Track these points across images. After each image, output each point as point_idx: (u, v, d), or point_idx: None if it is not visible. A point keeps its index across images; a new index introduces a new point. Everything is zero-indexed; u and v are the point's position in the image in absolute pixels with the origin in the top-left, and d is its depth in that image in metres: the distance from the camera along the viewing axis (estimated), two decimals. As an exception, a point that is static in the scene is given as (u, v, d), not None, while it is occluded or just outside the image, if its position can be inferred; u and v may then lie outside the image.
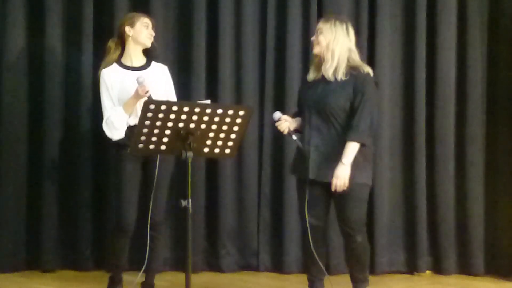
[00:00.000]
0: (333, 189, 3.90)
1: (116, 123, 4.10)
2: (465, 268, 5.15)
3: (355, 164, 3.94)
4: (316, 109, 3.99)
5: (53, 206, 4.93)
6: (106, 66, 4.21)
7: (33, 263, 4.95)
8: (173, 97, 4.28)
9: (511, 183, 5.09)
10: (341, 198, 3.97)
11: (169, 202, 4.88)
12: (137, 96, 4.03)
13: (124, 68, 4.21)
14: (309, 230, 4.00)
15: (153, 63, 4.30)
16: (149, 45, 4.24)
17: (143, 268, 4.11)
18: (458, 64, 5.18)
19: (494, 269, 5.10)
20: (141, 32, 4.21)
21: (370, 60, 5.08)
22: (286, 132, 4.00)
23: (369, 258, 4.25)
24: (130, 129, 4.08)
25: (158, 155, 3.99)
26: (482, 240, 5.15)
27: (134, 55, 4.24)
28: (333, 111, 3.96)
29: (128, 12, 4.86)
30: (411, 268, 5.17)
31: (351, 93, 3.95)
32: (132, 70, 4.19)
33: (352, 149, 3.89)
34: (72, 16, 4.98)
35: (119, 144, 4.13)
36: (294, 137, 3.97)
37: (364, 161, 4.00)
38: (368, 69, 4.02)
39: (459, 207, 5.17)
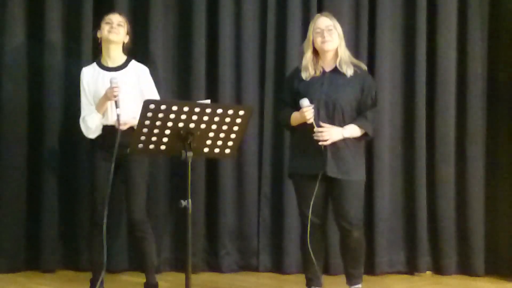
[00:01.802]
0: (317, 138, 3.92)
1: (89, 122, 4.22)
2: (465, 269, 5.14)
3: (354, 161, 4.01)
4: (325, 103, 3.99)
5: (52, 206, 4.93)
6: (86, 66, 4.35)
7: (33, 263, 4.95)
8: (153, 97, 4.26)
9: (511, 183, 5.09)
10: (341, 194, 4.02)
11: (168, 202, 4.91)
12: (106, 97, 4.11)
13: (101, 68, 4.30)
14: (309, 227, 4.04)
15: (133, 62, 4.33)
16: (113, 39, 4.25)
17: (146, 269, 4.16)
18: (458, 63, 5.17)
19: (494, 270, 5.10)
20: (103, 29, 4.27)
21: (370, 59, 5.08)
22: (311, 120, 3.95)
23: (364, 255, 4.28)
24: (105, 129, 4.18)
25: (129, 156, 4.01)
26: (482, 240, 5.14)
27: (108, 55, 4.30)
28: (343, 106, 4.00)
29: (128, 12, 4.89)
30: (411, 268, 5.16)
31: (358, 90, 4.06)
32: (107, 70, 4.25)
33: (355, 129, 4.02)
34: (72, 16, 4.98)
35: (91, 140, 4.27)
36: (316, 129, 3.96)
37: (361, 158, 4.11)
38: (365, 66, 4.17)
39: (460, 207, 5.17)
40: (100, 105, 4.18)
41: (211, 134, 3.49)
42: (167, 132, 3.42)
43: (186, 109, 3.40)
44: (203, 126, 3.44)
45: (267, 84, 5.14)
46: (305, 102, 3.95)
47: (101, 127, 4.23)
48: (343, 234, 4.11)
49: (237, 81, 5.15)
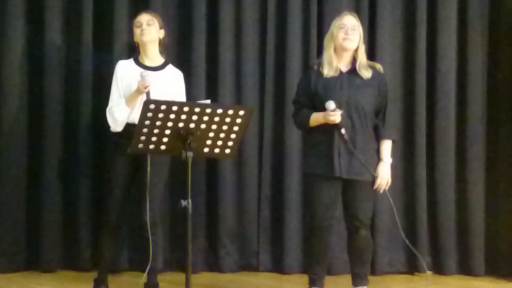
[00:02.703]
0: (376, 188, 4.03)
1: (116, 114, 4.16)
2: (466, 269, 5.15)
3: (368, 161, 4.02)
4: (347, 105, 3.98)
5: (53, 206, 4.93)
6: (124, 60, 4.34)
7: (33, 263, 4.95)
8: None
9: (511, 183, 5.09)
10: (355, 194, 4.03)
11: (168, 202, 4.91)
12: (138, 90, 4.08)
13: (139, 65, 4.27)
14: (331, 228, 4.11)
15: (170, 66, 4.35)
16: (147, 40, 4.26)
17: (147, 269, 4.14)
18: (458, 63, 5.18)
19: (495, 270, 5.10)
20: (136, 33, 4.29)
21: (370, 58, 5.06)
22: (339, 121, 3.92)
23: (371, 255, 4.28)
24: (128, 128, 4.10)
25: (149, 157, 3.98)
26: (482, 240, 5.14)
27: (146, 55, 4.30)
28: (364, 107, 4.01)
29: (128, 12, 4.89)
30: (411, 268, 5.17)
31: (376, 91, 4.07)
32: (148, 69, 4.23)
33: (389, 146, 4.09)
34: (72, 15, 4.98)
35: (116, 142, 4.21)
36: (343, 130, 3.95)
37: (374, 158, 4.09)
38: (381, 67, 4.19)
39: (460, 207, 5.17)
40: (130, 99, 4.13)
41: (211, 134, 3.49)
42: (167, 132, 3.42)
43: (186, 109, 3.40)
44: (203, 126, 3.44)
45: (267, 84, 5.14)
46: (331, 105, 3.90)
47: (125, 122, 4.17)
48: (353, 233, 4.11)
49: (237, 81, 5.15)
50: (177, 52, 5.09)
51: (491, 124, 5.18)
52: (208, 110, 3.43)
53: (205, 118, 3.43)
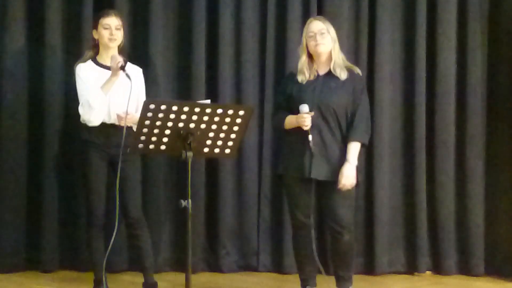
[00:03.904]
0: (341, 187, 4.00)
1: (91, 101, 4.09)
2: (465, 269, 5.15)
3: (343, 163, 4.03)
4: (318, 107, 4.01)
5: (53, 206, 4.93)
6: (82, 62, 4.27)
7: (33, 263, 4.95)
8: (142, 100, 4.21)
9: (511, 183, 5.09)
10: (331, 195, 4.05)
11: (168, 202, 4.91)
12: (113, 72, 4.06)
13: (99, 66, 4.25)
14: (310, 228, 4.10)
15: (128, 64, 4.24)
16: (111, 46, 4.23)
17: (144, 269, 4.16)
18: (458, 64, 5.17)
19: (494, 270, 5.10)
20: (103, 36, 4.24)
21: (370, 60, 5.08)
22: (309, 127, 3.97)
23: (354, 257, 4.31)
24: (101, 128, 4.11)
25: (121, 153, 3.95)
26: (482, 240, 5.15)
27: (107, 55, 4.25)
28: (336, 109, 4.03)
29: (128, 12, 4.88)
30: (411, 268, 5.17)
31: (351, 93, 4.08)
32: (107, 69, 4.20)
33: (356, 148, 4.04)
34: (72, 16, 4.98)
35: (85, 140, 4.19)
36: (310, 137, 3.99)
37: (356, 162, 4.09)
38: (359, 70, 4.19)
39: (459, 207, 5.17)
40: (106, 85, 4.09)
41: (211, 134, 3.49)
42: (167, 132, 3.42)
43: (186, 109, 3.40)
44: (203, 126, 3.44)
45: (267, 85, 5.14)
46: (305, 108, 3.98)
47: (103, 114, 4.13)
48: (333, 236, 4.14)
49: (237, 81, 5.15)
50: (177, 52, 5.10)
51: (491, 124, 5.18)
52: (208, 110, 3.43)
53: (205, 118, 3.43)
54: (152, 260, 4.42)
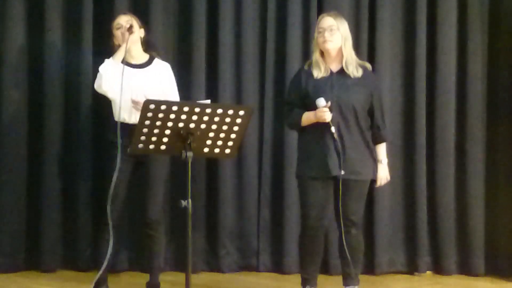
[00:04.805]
0: (378, 186, 4.20)
1: (101, 68, 4.15)
2: (465, 269, 5.15)
3: (362, 161, 4.06)
4: (337, 104, 3.99)
5: (53, 206, 4.92)
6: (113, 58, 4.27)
7: (33, 263, 4.95)
8: (174, 95, 4.32)
9: (511, 183, 5.09)
10: (347, 193, 4.03)
11: (168, 202, 4.91)
12: (122, 37, 4.18)
13: (126, 65, 4.22)
14: (322, 229, 4.15)
15: (156, 60, 4.34)
16: (123, 43, 4.21)
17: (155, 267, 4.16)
18: (458, 63, 5.18)
19: (494, 270, 5.10)
20: (118, 36, 4.26)
21: (370, 59, 5.08)
22: (329, 120, 3.93)
23: (363, 255, 4.29)
24: (126, 129, 4.06)
25: (150, 156, 3.97)
26: (482, 240, 5.14)
27: (131, 55, 4.27)
28: (355, 106, 4.02)
29: (128, 12, 4.88)
30: (411, 268, 5.17)
31: (367, 90, 4.08)
32: (134, 67, 4.24)
33: (384, 148, 4.17)
34: (72, 16, 4.98)
35: (112, 142, 4.14)
36: (333, 129, 3.95)
37: (369, 158, 4.11)
38: (370, 66, 4.21)
39: (459, 207, 5.17)
40: (117, 53, 4.17)
41: (211, 134, 3.49)
42: (167, 132, 3.42)
43: (186, 109, 3.40)
44: (203, 126, 3.44)
45: (267, 84, 5.14)
46: (321, 102, 3.93)
47: (109, 83, 4.15)
48: (345, 232, 4.10)
49: (237, 81, 5.15)
50: (177, 52, 5.10)
51: (491, 124, 5.18)
52: (208, 110, 3.43)
53: (205, 118, 3.43)
54: (161, 262, 4.43)
